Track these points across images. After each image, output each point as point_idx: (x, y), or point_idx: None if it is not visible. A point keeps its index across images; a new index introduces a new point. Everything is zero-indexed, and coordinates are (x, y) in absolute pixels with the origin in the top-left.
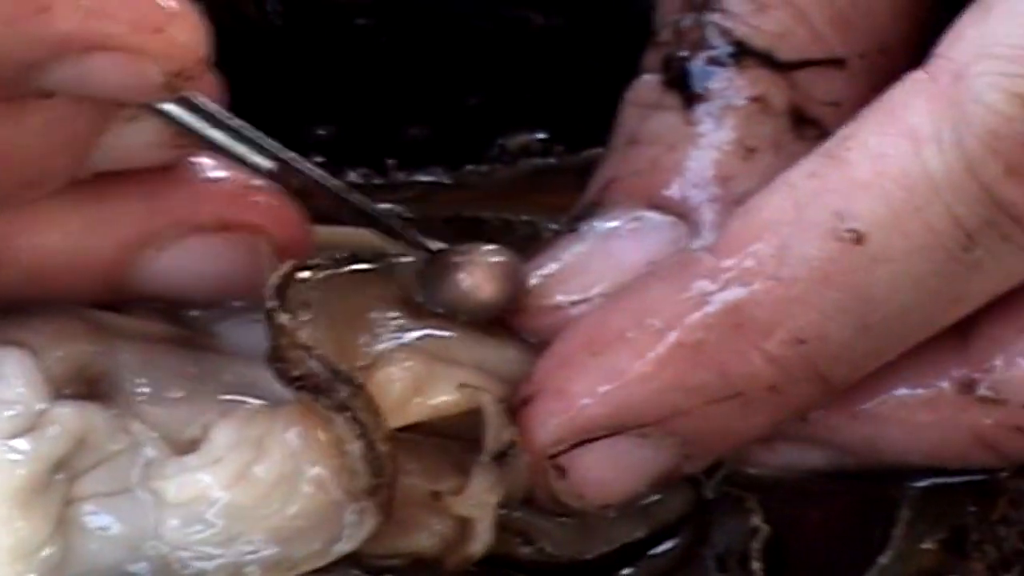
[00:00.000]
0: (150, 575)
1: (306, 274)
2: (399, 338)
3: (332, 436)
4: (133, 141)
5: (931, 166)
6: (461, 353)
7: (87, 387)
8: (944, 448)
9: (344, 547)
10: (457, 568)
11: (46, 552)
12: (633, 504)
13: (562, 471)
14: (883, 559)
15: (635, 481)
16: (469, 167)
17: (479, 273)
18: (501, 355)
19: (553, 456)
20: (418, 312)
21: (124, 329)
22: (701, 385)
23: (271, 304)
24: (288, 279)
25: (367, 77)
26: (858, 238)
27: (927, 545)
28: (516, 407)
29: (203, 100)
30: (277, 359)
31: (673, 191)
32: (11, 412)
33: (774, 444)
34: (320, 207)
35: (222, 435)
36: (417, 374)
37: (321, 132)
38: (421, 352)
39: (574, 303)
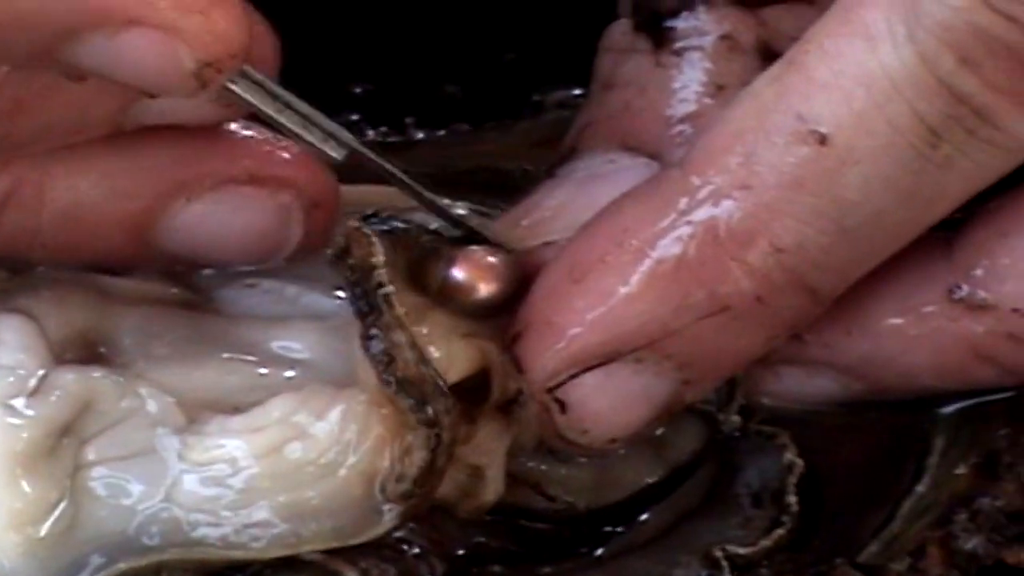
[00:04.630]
0: (159, 538)
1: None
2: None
3: (405, 443)
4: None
5: (887, 63)
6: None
7: (88, 351)
8: (943, 363)
9: (353, 540)
10: (471, 515)
11: (54, 516)
12: (640, 439)
13: (562, 405)
14: (920, 487)
15: (638, 411)
16: (490, 124)
17: (474, 271)
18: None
19: (551, 390)
20: (425, 290)
21: (126, 293)
22: (687, 302)
23: (387, 289)
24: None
25: (403, 35)
26: (822, 139)
27: (960, 470)
28: (508, 345)
29: (271, 83)
30: (387, 355)
31: (645, 132)
32: (11, 378)
33: (777, 368)
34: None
35: (277, 407)
36: (439, 363)
37: (357, 90)
38: (439, 330)
39: (553, 244)
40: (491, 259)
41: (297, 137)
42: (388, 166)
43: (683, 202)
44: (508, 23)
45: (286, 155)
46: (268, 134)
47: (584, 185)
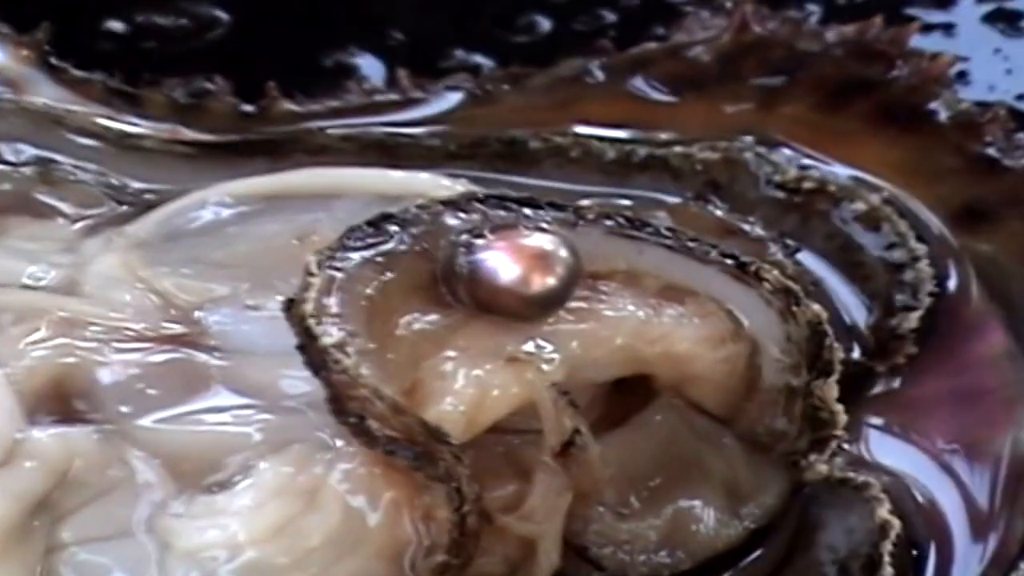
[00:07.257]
0: None
1: (333, 302)
2: (442, 357)
3: (423, 505)
4: None
5: None
6: (501, 343)
7: (63, 405)
8: None
9: None
10: None
11: None
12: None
13: None
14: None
15: None
16: (497, 74)
17: (523, 265)
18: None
19: None
20: (445, 303)
21: (99, 322)
22: None
23: (325, 342)
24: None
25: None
26: None
27: None
28: None
29: None
30: (355, 415)
31: None
32: None
33: None
34: None
35: (268, 476)
36: (471, 397)
37: (377, 56)
38: (466, 359)
39: None
40: (534, 243)
41: None
42: None
43: None
44: None
45: None
46: None
47: None
